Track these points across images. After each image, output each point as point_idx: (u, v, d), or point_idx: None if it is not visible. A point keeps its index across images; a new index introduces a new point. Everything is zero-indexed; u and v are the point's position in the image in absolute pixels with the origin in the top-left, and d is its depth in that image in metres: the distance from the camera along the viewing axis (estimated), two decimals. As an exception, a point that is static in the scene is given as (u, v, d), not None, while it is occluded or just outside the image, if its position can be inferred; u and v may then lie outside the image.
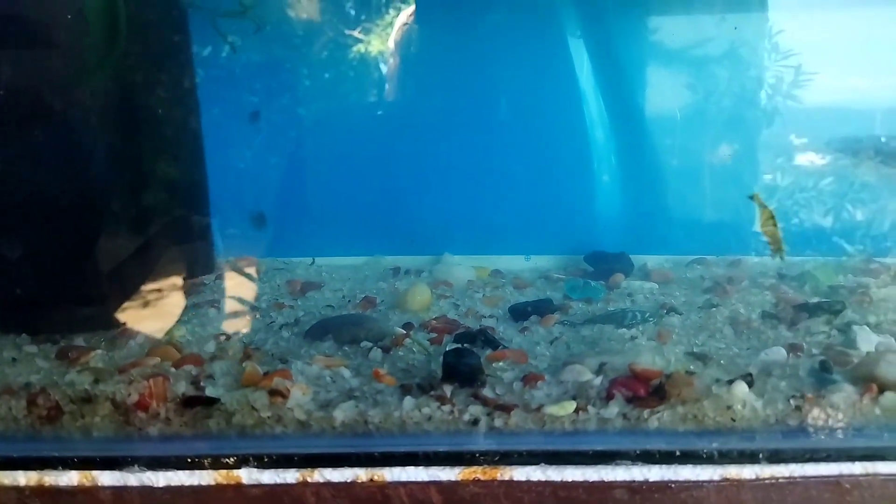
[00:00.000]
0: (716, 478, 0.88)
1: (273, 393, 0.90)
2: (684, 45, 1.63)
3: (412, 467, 0.88)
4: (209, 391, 0.92)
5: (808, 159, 1.63)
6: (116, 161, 1.22)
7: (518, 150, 1.70)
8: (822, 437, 0.90)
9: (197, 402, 0.90)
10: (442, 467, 0.88)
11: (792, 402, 0.91)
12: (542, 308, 1.34)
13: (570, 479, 0.88)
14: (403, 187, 1.72)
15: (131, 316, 1.19)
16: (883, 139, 1.59)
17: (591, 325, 1.25)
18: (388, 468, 0.88)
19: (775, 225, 0.95)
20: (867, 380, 0.94)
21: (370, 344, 1.12)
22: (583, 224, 1.75)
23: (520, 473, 0.89)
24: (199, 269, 1.34)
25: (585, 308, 1.38)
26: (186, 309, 1.26)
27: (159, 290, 1.26)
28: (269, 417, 0.90)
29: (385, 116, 1.66)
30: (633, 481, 0.88)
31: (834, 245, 1.66)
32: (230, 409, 0.90)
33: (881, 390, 0.92)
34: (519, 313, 1.33)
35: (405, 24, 1.58)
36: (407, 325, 1.24)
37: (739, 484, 0.88)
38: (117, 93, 1.19)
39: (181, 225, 1.28)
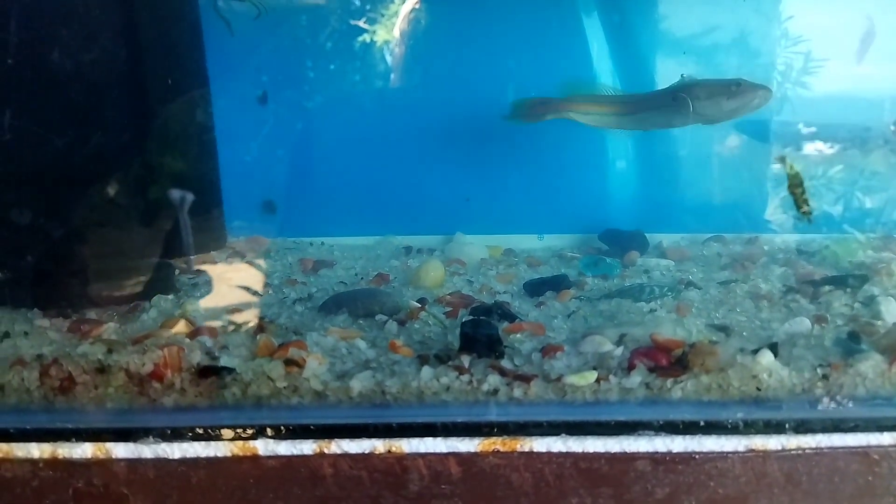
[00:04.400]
0: (741, 448, 0.86)
1: (289, 363, 0.89)
2: (699, 28, 1.60)
3: (430, 438, 0.86)
4: (224, 361, 0.91)
5: (815, 147, 1.61)
6: (129, 135, 1.20)
7: (530, 131, 1.68)
8: (851, 406, 0.88)
9: (212, 372, 0.89)
10: (461, 438, 0.87)
11: (819, 370, 0.89)
12: (557, 284, 1.32)
13: (591, 451, 0.87)
14: (415, 168, 1.70)
15: (143, 291, 1.17)
16: (892, 128, 1.57)
17: (608, 299, 1.23)
18: (406, 439, 0.86)
19: (802, 186, 0.92)
20: (895, 349, 0.92)
21: (385, 317, 1.10)
22: (596, 203, 1.73)
23: (540, 444, 0.87)
24: (211, 246, 1.32)
25: (601, 284, 1.36)
26: (198, 284, 1.24)
27: (171, 266, 1.25)
28: (285, 387, 0.88)
29: (397, 99, 1.65)
30: (657, 452, 0.87)
31: (845, 232, 1.64)
32: (246, 379, 0.88)
33: (910, 359, 0.90)
34: (534, 289, 1.31)
35: (412, 9, 1.56)
36: (421, 301, 1.22)
37: (765, 455, 0.86)
38: (130, 75, 1.18)
39: (193, 201, 1.27)
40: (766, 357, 0.90)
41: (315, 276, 1.41)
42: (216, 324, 1.06)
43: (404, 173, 1.71)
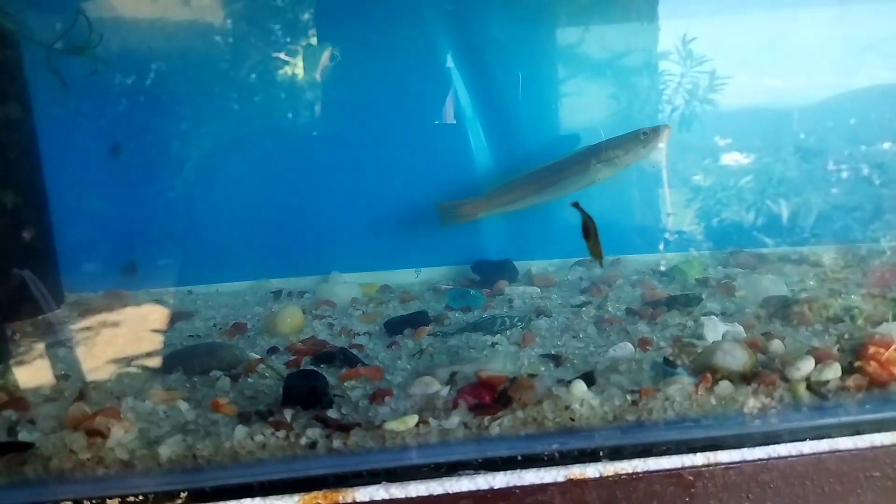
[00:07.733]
0: (560, 479, 0.87)
1: (92, 433, 0.85)
2: (590, 53, 1.65)
3: (248, 499, 0.84)
4: (24, 436, 0.86)
5: (732, 159, 1.69)
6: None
7: (402, 164, 1.69)
8: (661, 430, 0.91)
9: (9, 449, 0.84)
10: (280, 496, 0.85)
11: (628, 397, 0.91)
12: (416, 321, 1.32)
13: (414, 495, 0.86)
14: (288, 208, 1.68)
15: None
16: (802, 136, 1.66)
17: (460, 334, 1.24)
18: (221, 503, 0.84)
19: (595, 233, 0.95)
20: (705, 370, 0.95)
21: (220, 373, 1.07)
22: (470, 234, 1.75)
23: (363, 494, 0.86)
24: (45, 307, 1.26)
25: (462, 317, 1.37)
26: (29, 349, 1.18)
27: (2, 331, 1.18)
28: (88, 459, 0.84)
29: (268, 136, 1.64)
30: (479, 490, 0.87)
31: (755, 239, 1.71)
32: (46, 454, 0.84)
33: (717, 379, 0.93)
34: (394, 328, 1.30)
35: (276, 53, 1.57)
36: (272, 350, 1.20)
37: (583, 483, 0.88)
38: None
39: (18, 261, 1.21)
40: (579, 387, 0.92)
41: (170, 330, 1.37)
42: (36, 393, 1.01)
43: (276, 214, 1.68)
